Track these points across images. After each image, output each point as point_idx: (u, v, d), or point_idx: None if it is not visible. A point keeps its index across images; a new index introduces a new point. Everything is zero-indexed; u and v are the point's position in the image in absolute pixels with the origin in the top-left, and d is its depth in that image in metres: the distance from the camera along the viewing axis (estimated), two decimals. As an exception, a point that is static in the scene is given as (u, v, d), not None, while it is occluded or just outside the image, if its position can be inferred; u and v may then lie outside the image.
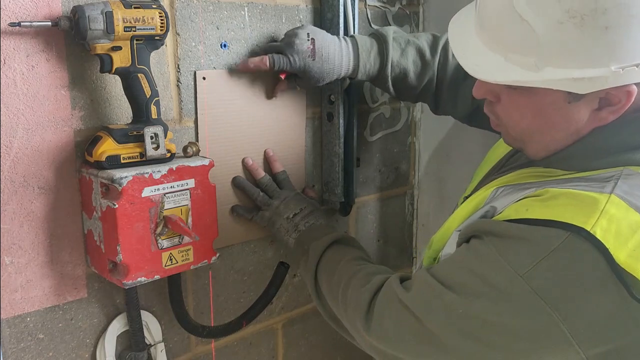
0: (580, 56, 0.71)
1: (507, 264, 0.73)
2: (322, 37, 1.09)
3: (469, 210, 0.88)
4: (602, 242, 0.70)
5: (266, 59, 1.07)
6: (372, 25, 1.35)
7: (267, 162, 1.19)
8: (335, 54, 1.09)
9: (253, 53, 1.13)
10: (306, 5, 1.21)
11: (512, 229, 0.75)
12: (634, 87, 0.73)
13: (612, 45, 0.70)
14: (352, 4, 1.21)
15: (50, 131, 0.91)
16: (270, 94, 1.17)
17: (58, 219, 0.94)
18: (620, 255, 0.69)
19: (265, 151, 1.19)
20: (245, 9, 1.11)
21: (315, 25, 1.23)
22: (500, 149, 1.02)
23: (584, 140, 0.80)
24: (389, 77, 1.13)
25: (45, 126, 0.90)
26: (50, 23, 0.84)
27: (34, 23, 0.83)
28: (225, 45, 1.09)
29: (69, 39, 0.90)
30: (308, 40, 1.06)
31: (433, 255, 0.94)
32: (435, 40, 1.15)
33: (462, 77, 1.11)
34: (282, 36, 1.11)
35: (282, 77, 1.11)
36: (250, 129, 1.16)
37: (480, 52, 0.80)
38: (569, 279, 0.71)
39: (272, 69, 1.07)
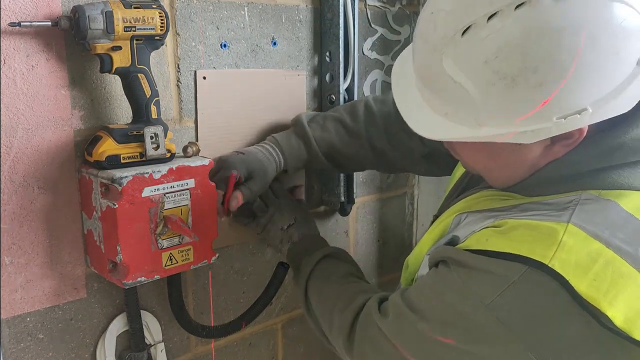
0: (519, 112, 0.70)
1: (471, 293, 0.75)
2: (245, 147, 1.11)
3: (435, 235, 0.90)
4: (561, 274, 0.70)
5: (238, 194, 1.05)
6: (372, 25, 1.35)
7: None
8: (257, 150, 1.10)
9: (253, 53, 1.14)
10: (306, 5, 1.21)
11: (475, 260, 0.76)
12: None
13: (549, 100, 0.69)
14: (352, 4, 1.21)
15: (50, 131, 0.91)
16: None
17: (58, 219, 0.94)
18: (581, 286, 0.70)
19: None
20: (245, 9, 1.11)
21: (315, 25, 1.23)
22: (462, 168, 1.03)
23: (540, 171, 0.80)
24: (319, 153, 1.13)
25: (45, 126, 0.90)
26: (50, 23, 0.84)
27: (34, 23, 0.83)
28: (225, 45, 1.09)
29: (69, 39, 0.90)
30: (235, 153, 1.08)
31: (410, 277, 0.97)
32: (353, 106, 1.15)
33: (396, 123, 1.10)
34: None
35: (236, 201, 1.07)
36: (250, 129, 1.16)
37: (421, 108, 0.80)
38: (531, 310, 0.72)
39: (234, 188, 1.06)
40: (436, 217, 1.02)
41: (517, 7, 0.66)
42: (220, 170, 1.05)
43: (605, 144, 0.76)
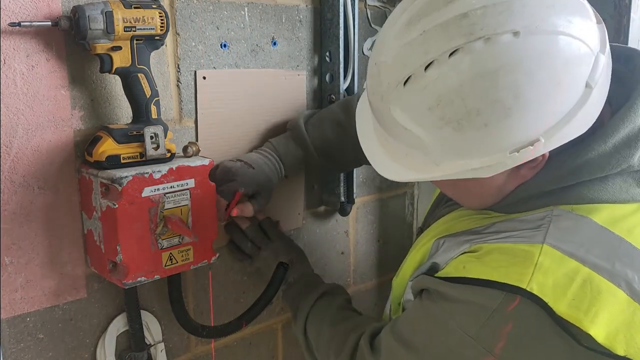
0: (471, 151, 0.72)
1: (456, 326, 0.76)
2: (243, 155, 1.10)
3: (416, 260, 0.92)
4: (540, 297, 0.71)
5: (248, 206, 1.07)
6: (372, 25, 1.35)
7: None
8: (263, 162, 1.10)
9: (253, 53, 1.14)
10: (306, 5, 1.21)
11: (454, 291, 0.77)
12: None
13: (497, 137, 0.70)
14: (352, 4, 1.21)
15: (50, 131, 0.91)
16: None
17: (58, 219, 0.94)
18: (560, 307, 0.70)
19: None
20: (245, 9, 1.11)
21: (315, 25, 1.23)
22: None
23: (510, 194, 0.81)
24: (318, 157, 1.13)
25: (45, 126, 0.90)
26: (50, 23, 0.84)
27: (33, 23, 0.83)
28: (225, 45, 1.09)
29: (69, 39, 0.89)
30: (235, 161, 1.08)
31: (397, 301, 0.98)
32: (347, 102, 1.15)
33: None
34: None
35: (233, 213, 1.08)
36: (250, 129, 1.16)
37: (382, 149, 0.82)
38: (514, 336, 0.73)
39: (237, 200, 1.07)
40: (421, 229, 1.04)
41: (450, 54, 0.68)
42: (227, 182, 1.05)
43: (571, 161, 0.76)
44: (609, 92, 0.76)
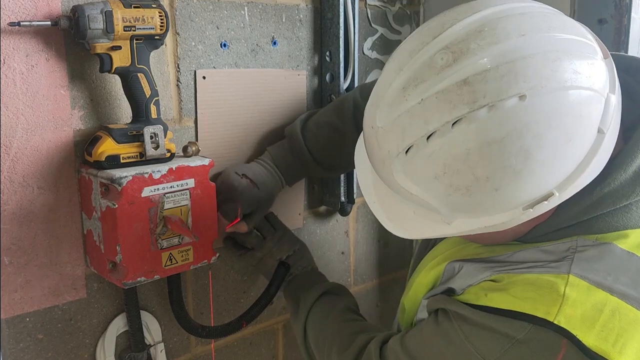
0: (483, 212, 0.70)
1: (474, 350, 0.74)
2: (249, 167, 1.09)
3: (429, 280, 0.88)
4: (568, 330, 0.69)
5: (243, 226, 1.07)
6: (372, 25, 1.35)
7: None
8: (267, 178, 1.09)
9: (253, 53, 1.13)
10: (306, 5, 1.21)
11: (476, 317, 0.75)
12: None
13: (510, 198, 0.67)
14: (352, 4, 1.21)
15: (49, 131, 0.90)
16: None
17: (57, 219, 0.94)
18: (589, 340, 0.68)
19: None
20: (245, 8, 1.11)
21: (315, 24, 1.23)
22: None
23: (530, 232, 0.78)
24: (318, 166, 1.12)
25: (44, 126, 0.90)
26: (49, 22, 0.84)
27: (33, 22, 0.83)
28: (225, 45, 1.09)
29: (69, 39, 0.89)
30: (241, 177, 1.07)
31: (409, 321, 0.95)
32: (341, 103, 1.12)
33: None
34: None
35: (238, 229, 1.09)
36: (250, 128, 1.16)
37: (388, 203, 0.78)
38: None
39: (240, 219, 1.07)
40: (421, 247, 1.02)
41: (453, 124, 0.65)
42: (231, 202, 1.05)
43: (595, 194, 0.74)
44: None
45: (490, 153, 0.64)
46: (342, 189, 1.29)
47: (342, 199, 1.30)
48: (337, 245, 1.41)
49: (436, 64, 0.66)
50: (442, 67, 0.65)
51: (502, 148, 0.64)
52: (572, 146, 0.66)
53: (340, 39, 1.21)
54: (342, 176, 1.29)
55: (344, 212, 1.33)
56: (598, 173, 0.69)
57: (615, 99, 0.68)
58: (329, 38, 1.23)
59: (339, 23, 1.20)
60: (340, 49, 1.22)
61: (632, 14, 1.29)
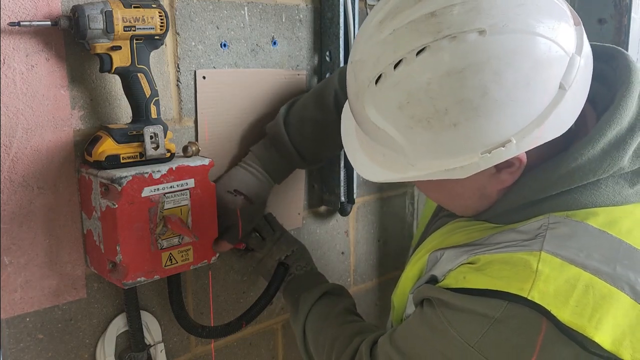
0: (443, 151, 0.72)
1: (457, 334, 0.75)
2: (238, 179, 1.09)
3: (414, 273, 0.91)
4: (542, 305, 0.70)
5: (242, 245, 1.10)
6: (372, 25, 1.35)
7: None
8: (254, 183, 1.09)
9: (253, 53, 1.13)
10: (306, 5, 1.21)
11: (456, 300, 0.76)
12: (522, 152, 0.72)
13: (467, 137, 0.70)
14: (352, 3, 1.21)
15: (49, 131, 0.90)
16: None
17: (57, 219, 0.94)
18: (564, 315, 0.69)
19: None
20: (245, 8, 1.11)
21: (315, 24, 1.23)
22: None
23: (502, 200, 0.81)
24: (304, 162, 1.13)
25: (44, 126, 0.90)
26: (49, 22, 0.84)
27: (33, 22, 0.83)
28: (225, 45, 1.09)
29: (69, 39, 0.89)
30: (234, 194, 1.07)
31: (399, 317, 0.97)
32: (322, 96, 1.11)
33: None
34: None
35: (242, 247, 1.12)
36: (250, 128, 1.16)
37: (361, 150, 0.82)
38: (517, 345, 0.72)
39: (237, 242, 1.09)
40: (415, 248, 1.03)
41: (418, 53, 0.68)
42: (230, 225, 1.05)
43: (560, 168, 0.76)
44: (593, 92, 0.75)
45: (449, 84, 0.67)
46: (342, 188, 1.29)
47: (342, 198, 1.30)
48: (337, 245, 1.41)
49: (410, 0, 0.70)
50: (415, 1, 0.70)
51: (461, 80, 0.67)
52: (530, 91, 0.68)
53: (340, 39, 1.21)
54: (342, 176, 1.29)
55: (344, 212, 1.33)
56: (560, 132, 0.71)
57: (582, 62, 0.71)
58: (329, 38, 1.23)
59: (339, 23, 1.20)
60: (340, 49, 1.22)
61: (632, 14, 1.29)
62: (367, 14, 1.33)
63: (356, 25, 1.23)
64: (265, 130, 1.13)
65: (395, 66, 0.70)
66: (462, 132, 0.69)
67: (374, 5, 1.33)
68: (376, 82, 0.72)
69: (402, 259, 1.58)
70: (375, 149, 0.79)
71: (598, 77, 0.76)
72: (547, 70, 0.68)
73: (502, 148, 0.69)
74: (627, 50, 1.25)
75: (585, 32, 0.74)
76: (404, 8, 0.71)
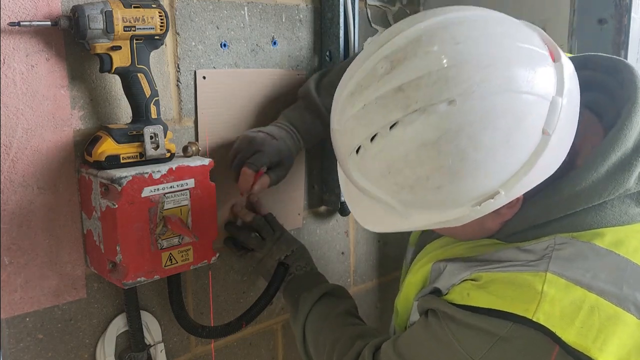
0: (434, 206, 0.72)
1: (462, 348, 0.75)
2: (263, 128, 1.09)
3: (418, 281, 0.91)
4: (547, 327, 0.70)
5: (265, 180, 1.06)
6: (372, 25, 1.35)
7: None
8: (285, 134, 1.09)
9: (253, 53, 1.13)
10: (306, 5, 1.21)
11: (461, 316, 0.77)
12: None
13: (454, 195, 0.70)
14: (352, 4, 1.21)
15: (49, 131, 0.90)
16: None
17: (57, 219, 0.94)
18: (569, 336, 0.69)
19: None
20: (245, 8, 1.11)
21: (315, 24, 1.23)
22: None
23: (508, 224, 0.81)
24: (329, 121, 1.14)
25: (44, 126, 0.90)
26: (49, 22, 0.84)
27: (33, 22, 0.83)
28: (225, 45, 1.09)
29: (69, 39, 0.89)
30: (259, 132, 1.07)
31: (403, 324, 0.97)
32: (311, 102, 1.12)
33: None
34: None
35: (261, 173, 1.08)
36: (250, 128, 1.16)
37: (358, 199, 0.82)
38: None
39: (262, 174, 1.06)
40: (415, 248, 1.04)
41: (391, 127, 0.69)
42: (253, 153, 1.04)
43: (565, 192, 0.76)
44: (598, 104, 0.75)
45: (426, 154, 0.68)
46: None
47: (342, 198, 1.30)
48: (337, 245, 1.41)
49: (377, 72, 0.70)
50: (382, 75, 0.70)
51: (437, 148, 0.67)
52: (510, 147, 0.67)
53: (340, 39, 1.21)
54: (342, 176, 1.29)
55: (344, 212, 1.33)
56: (549, 173, 0.71)
57: (566, 101, 0.69)
58: (329, 38, 1.23)
59: (339, 23, 1.20)
60: (340, 49, 1.22)
61: (632, 14, 1.28)
62: (367, 14, 1.33)
63: (356, 25, 1.23)
64: (297, 94, 1.15)
65: (372, 139, 0.71)
66: (447, 192, 0.70)
67: (374, 5, 1.34)
68: (357, 151, 0.73)
69: (401, 259, 1.57)
70: (370, 203, 0.79)
71: (602, 89, 0.75)
72: (526, 122, 0.67)
73: (491, 200, 0.70)
74: (627, 50, 1.25)
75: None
76: (369, 83, 0.71)
